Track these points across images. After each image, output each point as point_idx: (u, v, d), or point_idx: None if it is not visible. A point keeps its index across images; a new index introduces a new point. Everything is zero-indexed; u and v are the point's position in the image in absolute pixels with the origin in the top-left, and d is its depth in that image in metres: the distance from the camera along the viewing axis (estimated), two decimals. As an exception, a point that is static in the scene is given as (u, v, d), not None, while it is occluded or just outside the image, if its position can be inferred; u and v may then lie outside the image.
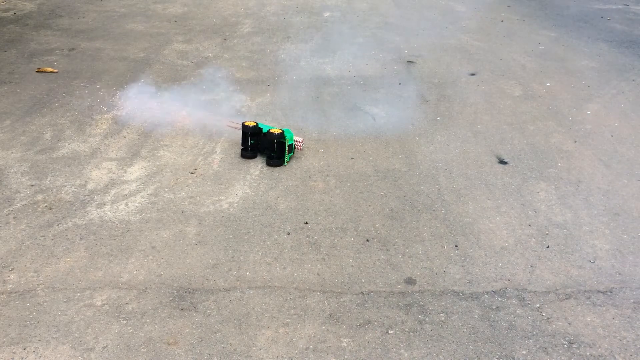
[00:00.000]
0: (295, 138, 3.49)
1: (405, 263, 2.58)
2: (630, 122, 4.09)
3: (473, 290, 2.42)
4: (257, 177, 3.27)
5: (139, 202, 3.02)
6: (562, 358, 2.10)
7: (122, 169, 3.35)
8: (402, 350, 2.12)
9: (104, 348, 2.12)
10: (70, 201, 3.03)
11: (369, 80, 4.80)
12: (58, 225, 2.83)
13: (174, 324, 2.23)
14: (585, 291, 2.43)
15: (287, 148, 3.36)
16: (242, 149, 3.50)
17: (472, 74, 4.94)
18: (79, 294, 2.38)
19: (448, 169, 3.39)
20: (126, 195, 3.08)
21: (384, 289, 2.42)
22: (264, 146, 3.43)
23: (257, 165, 3.39)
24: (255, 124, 3.48)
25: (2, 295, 2.37)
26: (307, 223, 2.86)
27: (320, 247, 2.69)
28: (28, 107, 4.15)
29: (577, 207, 3.03)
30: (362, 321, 2.25)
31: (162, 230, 2.79)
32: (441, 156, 3.53)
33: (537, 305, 2.35)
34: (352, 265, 2.56)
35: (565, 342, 2.16)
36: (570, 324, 2.25)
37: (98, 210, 2.95)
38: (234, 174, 3.30)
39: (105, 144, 3.65)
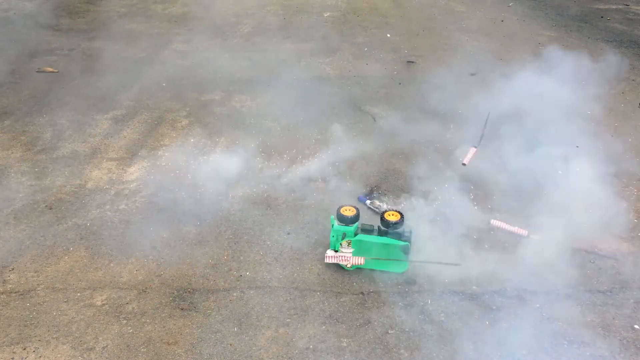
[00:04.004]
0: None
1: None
2: (630, 122, 4.08)
3: (473, 290, 2.42)
4: (257, 177, 3.27)
5: (139, 202, 3.01)
6: (562, 358, 2.10)
7: (122, 169, 3.35)
8: (402, 350, 2.12)
9: (104, 348, 2.11)
10: (70, 201, 3.02)
11: (369, 80, 4.80)
12: (58, 225, 2.83)
13: (174, 324, 2.23)
14: (585, 291, 2.43)
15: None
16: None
17: (472, 74, 4.94)
18: (79, 294, 2.38)
19: (448, 169, 3.38)
20: (126, 195, 3.08)
21: (384, 289, 2.42)
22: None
23: (258, 165, 3.39)
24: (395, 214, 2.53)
25: (2, 295, 2.37)
26: (307, 223, 2.86)
27: (320, 247, 2.68)
28: (28, 107, 4.15)
29: (577, 207, 3.03)
30: (362, 321, 2.25)
31: (162, 230, 2.79)
32: (441, 156, 3.53)
33: (537, 305, 2.35)
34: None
35: (565, 342, 2.16)
36: (570, 324, 2.25)
37: (98, 210, 2.95)
38: (234, 173, 3.30)
39: (105, 144, 3.65)
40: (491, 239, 2.75)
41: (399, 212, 2.53)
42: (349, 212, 2.51)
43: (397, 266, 2.50)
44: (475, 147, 3.20)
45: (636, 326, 2.26)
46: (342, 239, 2.49)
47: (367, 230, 2.54)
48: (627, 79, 4.91)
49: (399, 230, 2.49)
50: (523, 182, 3.13)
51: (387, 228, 2.49)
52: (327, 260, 2.51)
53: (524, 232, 2.66)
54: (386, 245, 2.46)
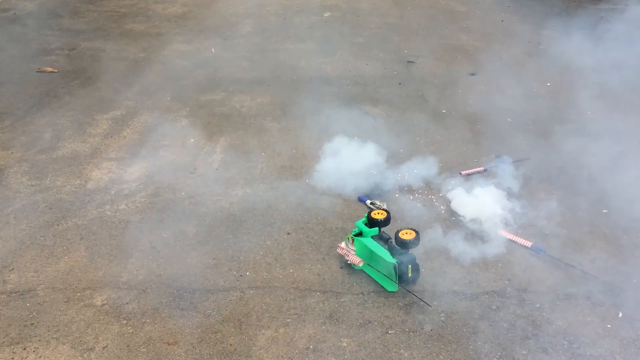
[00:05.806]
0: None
1: (405, 263, 2.58)
2: (630, 122, 4.09)
3: (473, 290, 2.42)
4: (257, 177, 3.27)
5: (139, 202, 3.01)
6: (562, 358, 2.09)
7: (122, 169, 3.35)
8: (402, 350, 2.12)
9: (104, 348, 2.12)
10: (70, 201, 3.03)
11: (369, 80, 4.80)
12: (58, 225, 2.83)
13: (174, 324, 2.23)
14: (585, 291, 2.43)
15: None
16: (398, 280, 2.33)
17: (472, 74, 4.94)
18: (79, 294, 2.38)
19: (448, 169, 3.38)
20: (126, 195, 3.08)
21: (384, 289, 2.42)
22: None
23: (257, 165, 3.39)
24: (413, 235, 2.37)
25: (2, 295, 2.37)
26: (307, 223, 2.86)
27: (320, 247, 2.69)
28: (28, 107, 4.15)
29: (578, 207, 3.03)
30: (362, 321, 2.25)
31: (162, 230, 2.79)
32: (441, 156, 3.53)
33: (537, 305, 2.34)
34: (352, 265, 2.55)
35: (565, 342, 2.16)
36: (570, 324, 2.25)
37: (98, 210, 2.95)
38: (234, 174, 3.30)
39: (105, 144, 3.65)
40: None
41: (415, 231, 2.36)
42: (378, 215, 2.45)
43: (388, 283, 2.37)
44: (485, 169, 3.33)
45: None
46: (357, 235, 2.47)
47: (382, 239, 2.45)
48: (628, 80, 4.90)
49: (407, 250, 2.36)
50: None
51: (399, 246, 2.36)
52: (338, 250, 2.56)
53: (527, 243, 2.67)
54: (378, 256, 2.35)
